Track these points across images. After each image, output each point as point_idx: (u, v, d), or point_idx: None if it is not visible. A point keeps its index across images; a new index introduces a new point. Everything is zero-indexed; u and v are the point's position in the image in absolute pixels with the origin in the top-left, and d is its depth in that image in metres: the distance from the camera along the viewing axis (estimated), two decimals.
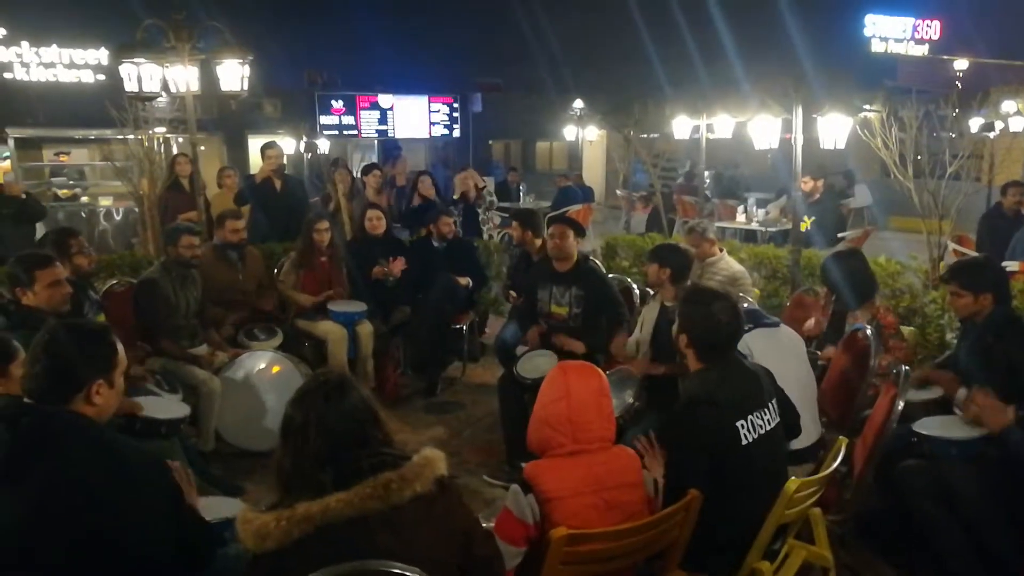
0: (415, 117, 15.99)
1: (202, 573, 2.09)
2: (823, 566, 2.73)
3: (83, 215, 9.47)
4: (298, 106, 15.94)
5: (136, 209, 7.19)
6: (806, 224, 6.64)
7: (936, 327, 4.56)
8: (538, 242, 5.13)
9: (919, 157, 5.15)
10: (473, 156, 17.47)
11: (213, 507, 2.54)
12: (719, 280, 4.70)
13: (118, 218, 9.53)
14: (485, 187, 7.25)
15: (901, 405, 2.93)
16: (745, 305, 3.23)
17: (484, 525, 2.28)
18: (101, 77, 13.15)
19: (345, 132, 15.61)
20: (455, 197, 7.34)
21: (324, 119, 15.22)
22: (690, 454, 2.38)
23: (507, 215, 6.74)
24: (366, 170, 7.51)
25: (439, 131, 16.35)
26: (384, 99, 15.64)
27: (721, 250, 4.95)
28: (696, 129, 9.04)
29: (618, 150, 12.63)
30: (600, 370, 2.34)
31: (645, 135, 12.22)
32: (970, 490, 2.82)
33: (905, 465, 3.03)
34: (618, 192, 13.26)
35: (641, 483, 2.27)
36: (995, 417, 2.76)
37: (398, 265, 5.47)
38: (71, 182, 11.16)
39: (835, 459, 2.59)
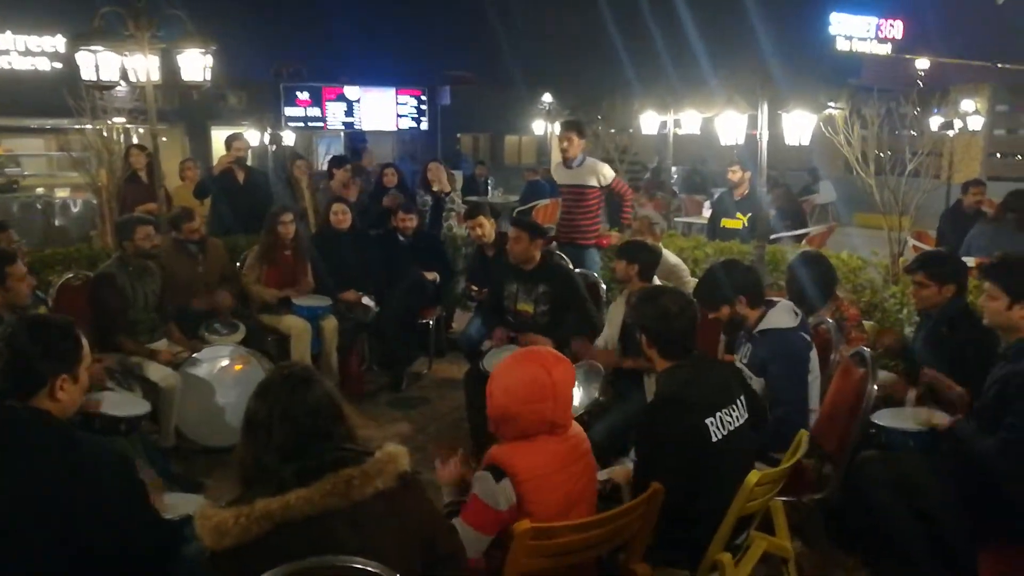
0: (382, 109, 15.84)
1: (164, 570, 2.06)
2: (783, 556, 2.77)
3: (38, 206, 9.21)
4: (263, 97, 15.71)
5: (94, 201, 7.03)
6: (739, 222, 6.58)
7: (895, 321, 4.64)
8: (482, 230, 5.10)
9: (880, 155, 5.23)
10: (441, 149, 17.39)
11: (174, 504, 2.50)
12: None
13: (76, 210, 9.30)
14: (451, 192, 7.10)
15: (875, 389, 3.00)
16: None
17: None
18: (58, 65, 12.81)
19: (311, 124, 15.43)
20: (434, 189, 7.22)
21: (289, 111, 15.01)
22: (660, 453, 2.39)
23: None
24: (335, 163, 7.41)
25: (406, 124, 16.23)
26: (351, 91, 15.47)
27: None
28: (664, 125, 9.10)
29: (586, 146, 12.66)
30: (567, 359, 2.34)
31: (614, 130, 12.27)
32: (926, 480, 2.88)
33: (863, 456, 3.09)
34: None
35: (590, 451, 2.33)
36: (948, 391, 2.84)
37: (369, 304, 5.44)
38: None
39: (795, 451, 2.62)
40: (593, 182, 5.69)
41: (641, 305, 2.64)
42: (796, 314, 3.14)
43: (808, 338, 3.16)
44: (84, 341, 2.04)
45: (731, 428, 2.47)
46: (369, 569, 1.68)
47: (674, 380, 2.52)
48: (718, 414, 2.44)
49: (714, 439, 2.41)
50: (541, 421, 2.17)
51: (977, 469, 2.69)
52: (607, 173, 5.76)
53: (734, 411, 2.51)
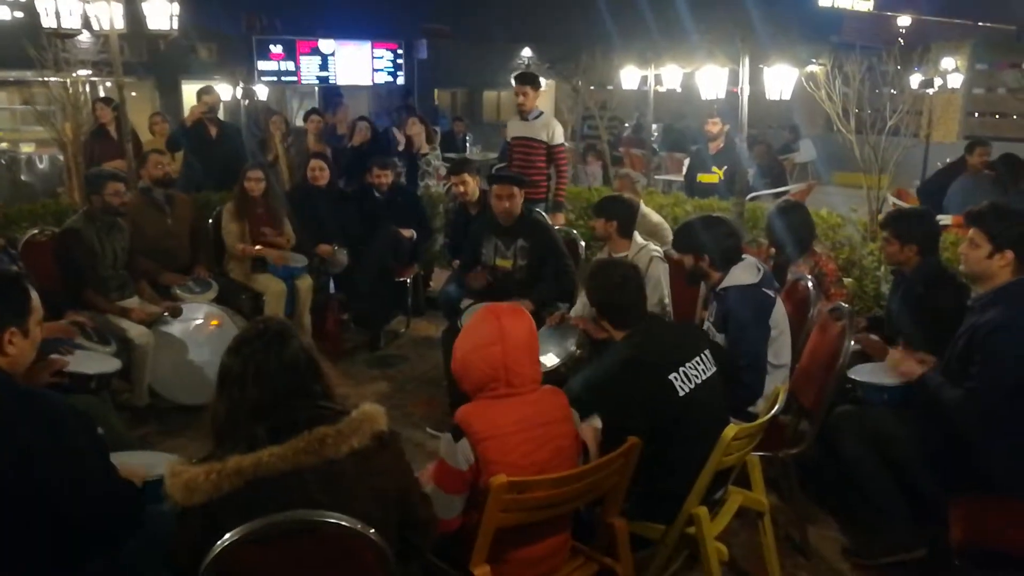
0: (357, 63, 15.44)
1: (133, 532, 2.02)
2: (758, 510, 2.79)
3: (3, 162, 8.94)
4: (235, 51, 15.29)
5: (61, 157, 6.83)
6: (715, 176, 6.52)
7: (872, 279, 4.67)
8: (465, 188, 5.00)
9: (860, 112, 5.21)
10: (418, 105, 17.09)
11: (149, 462, 2.45)
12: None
13: (41, 166, 9.03)
14: (427, 154, 6.91)
15: (852, 343, 3.00)
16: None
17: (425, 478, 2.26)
18: (19, 14, 12.30)
19: (284, 78, 15.03)
20: (399, 149, 7.06)
21: (262, 64, 14.57)
22: (626, 413, 2.39)
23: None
24: (306, 116, 7.26)
25: (382, 78, 15.83)
26: (325, 44, 15.04)
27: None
28: (644, 80, 9.00)
29: (566, 101, 12.52)
30: (527, 312, 2.32)
31: (593, 87, 12.12)
32: (898, 434, 2.92)
33: (838, 411, 3.12)
34: (565, 144, 13.16)
35: (569, 418, 2.29)
36: (913, 370, 2.87)
37: (342, 256, 5.33)
38: None
39: (773, 406, 2.63)
40: (543, 137, 5.60)
41: (589, 281, 2.73)
42: (758, 270, 3.14)
43: (771, 294, 3.14)
44: (34, 294, 1.98)
45: (698, 381, 2.49)
46: (343, 524, 1.66)
47: (629, 345, 2.55)
48: (681, 369, 2.47)
49: (681, 393, 2.43)
50: (493, 367, 2.15)
51: (945, 420, 2.73)
52: (558, 134, 5.66)
53: (699, 364, 2.53)
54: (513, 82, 5.71)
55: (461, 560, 2.11)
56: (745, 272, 3.12)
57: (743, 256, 3.21)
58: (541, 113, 5.68)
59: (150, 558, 2.04)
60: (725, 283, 3.13)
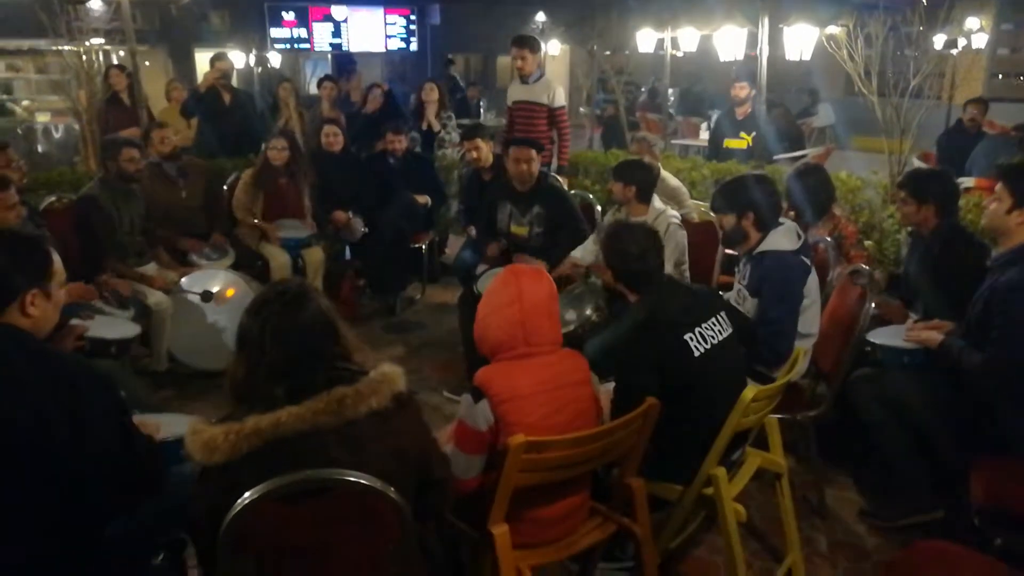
0: (370, 30, 15.30)
1: (156, 492, 2.05)
2: (776, 471, 2.79)
3: (19, 132, 8.95)
4: (247, 18, 15.14)
5: (76, 125, 6.83)
6: (743, 142, 6.40)
7: (893, 242, 4.61)
8: (478, 153, 4.93)
9: (882, 74, 5.10)
10: (431, 71, 16.90)
11: (170, 424, 2.49)
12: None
13: (58, 135, 9.04)
14: (442, 131, 6.75)
15: (873, 306, 2.97)
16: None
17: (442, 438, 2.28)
18: None
19: (297, 46, 14.94)
20: (424, 128, 6.91)
21: (275, 32, 14.47)
22: (639, 374, 2.39)
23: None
24: (320, 82, 7.21)
25: (395, 44, 15.67)
26: (338, 10, 14.89)
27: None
28: (660, 44, 8.85)
29: (582, 66, 12.34)
30: (548, 274, 2.32)
31: (609, 51, 11.93)
32: (916, 397, 2.90)
33: (857, 374, 3.10)
34: (581, 109, 13.01)
35: (588, 381, 2.29)
36: (933, 339, 2.84)
37: (358, 225, 5.30)
38: None
39: (793, 366, 2.61)
40: (544, 100, 5.52)
41: (604, 244, 2.72)
42: (799, 237, 3.09)
43: (808, 262, 3.10)
44: (56, 257, 1.98)
45: (714, 342, 2.48)
46: (363, 482, 1.67)
47: (643, 307, 2.54)
48: (697, 329, 2.45)
49: (696, 354, 2.42)
50: (511, 325, 2.15)
51: (966, 384, 2.70)
52: (559, 95, 5.57)
53: (715, 325, 2.51)
54: (511, 45, 5.59)
55: (479, 519, 2.12)
56: (785, 238, 3.06)
57: (782, 220, 3.16)
58: (541, 75, 5.59)
59: (168, 518, 2.08)
60: (763, 247, 3.06)
